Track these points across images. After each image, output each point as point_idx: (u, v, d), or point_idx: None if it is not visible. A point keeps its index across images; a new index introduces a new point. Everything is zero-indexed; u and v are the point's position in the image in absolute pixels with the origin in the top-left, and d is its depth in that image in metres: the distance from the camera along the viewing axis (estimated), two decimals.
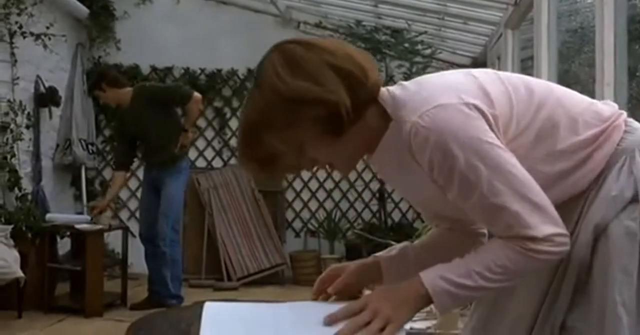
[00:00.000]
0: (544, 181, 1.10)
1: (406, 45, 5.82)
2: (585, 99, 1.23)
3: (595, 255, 1.11)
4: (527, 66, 4.39)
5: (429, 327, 2.29)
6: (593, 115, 1.18)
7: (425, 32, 5.76)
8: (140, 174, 5.44)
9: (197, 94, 4.64)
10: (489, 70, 1.22)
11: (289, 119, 1.10)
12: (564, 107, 1.16)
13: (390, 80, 6.18)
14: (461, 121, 1.07)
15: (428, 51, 5.95)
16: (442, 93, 1.10)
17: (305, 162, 1.18)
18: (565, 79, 3.69)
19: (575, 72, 3.85)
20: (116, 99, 4.73)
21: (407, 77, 6.11)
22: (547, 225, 1.06)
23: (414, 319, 2.34)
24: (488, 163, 1.06)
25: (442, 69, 6.25)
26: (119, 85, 4.68)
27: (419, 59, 5.95)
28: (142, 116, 4.54)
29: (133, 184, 6.07)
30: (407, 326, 2.14)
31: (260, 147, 1.13)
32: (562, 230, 1.07)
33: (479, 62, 6.05)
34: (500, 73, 1.21)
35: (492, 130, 1.09)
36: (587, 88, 3.37)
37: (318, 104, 1.09)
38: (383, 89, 1.17)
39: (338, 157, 1.19)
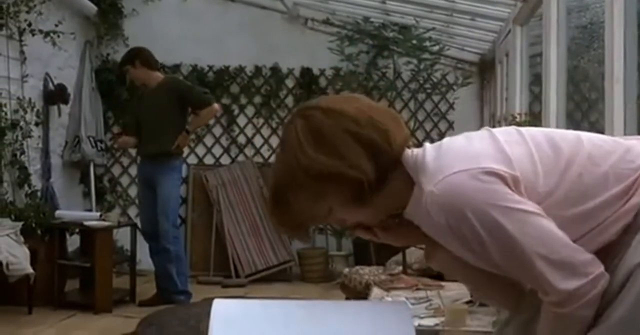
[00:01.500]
0: (572, 238, 1.09)
1: (414, 41, 5.81)
2: (619, 144, 1.17)
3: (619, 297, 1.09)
4: (535, 63, 4.36)
5: (437, 324, 2.29)
6: (626, 164, 1.13)
7: (433, 29, 5.74)
8: None
9: (216, 105, 4.72)
10: (511, 130, 1.19)
11: (313, 193, 1.13)
12: (594, 163, 1.12)
13: (398, 77, 6.18)
14: (473, 187, 1.07)
15: (436, 48, 5.93)
16: (458, 160, 1.10)
17: (335, 221, 1.21)
18: (574, 75, 3.67)
19: (585, 69, 3.82)
20: (144, 79, 4.77)
21: (415, 73, 6.11)
22: (568, 282, 1.05)
23: (422, 315, 2.34)
24: (500, 228, 1.06)
25: (451, 65, 6.27)
26: (151, 67, 4.76)
27: (426, 55, 5.93)
28: (156, 102, 4.62)
29: None
30: (416, 323, 2.15)
31: (288, 211, 1.17)
32: (584, 279, 1.05)
33: (487, 59, 6.03)
34: (524, 130, 1.18)
35: (513, 191, 1.08)
36: (596, 85, 3.36)
37: (340, 180, 1.12)
38: (407, 151, 1.17)
39: (368, 218, 1.22)
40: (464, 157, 1.11)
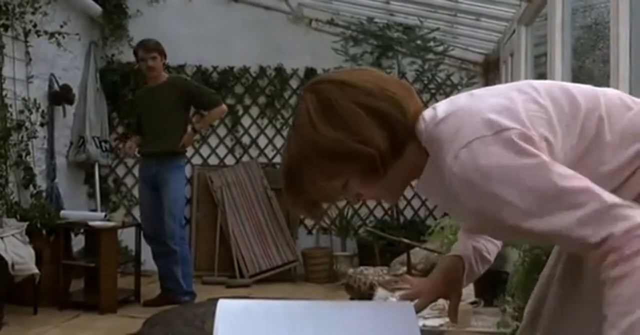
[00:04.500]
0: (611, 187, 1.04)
1: (418, 42, 5.81)
2: (634, 103, 1.13)
3: None
4: (540, 63, 4.35)
5: (441, 325, 2.29)
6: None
7: (438, 29, 5.74)
8: None
9: (224, 106, 4.77)
10: (524, 87, 1.11)
11: (327, 170, 1.11)
12: (610, 123, 1.08)
13: (402, 77, 6.17)
14: (494, 156, 1.00)
15: (440, 48, 5.93)
16: (472, 127, 1.03)
17: (351, 197, 1.18)
18: (579, 75, 3.66)
19: (590, 69, 3.81)
20: (158, 71, 4.74)
21: (420, 74, 6.11)
22: (622, 223, 0.93)
23: (427, 316, 2.34)
24: (527, 188, 0.98)
25: (455, 66, 6.27)
26: (165, 65, 4.88)
27: (431, 56, 5.93)
28: (161, 101, 4.62)
29: None
30: (420, 323, 2.14)
31: (303, 193, 1.15)
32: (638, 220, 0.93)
33: (491, 59, 6.03)
34: (540, 88, 1.11)
35: (530, 146, 1.01)
36: (602, 85, 3.34)
37: (354, 157, 1.09)
38: (420, 120, 1.12)
39: (384, 192, 1.19)
40: (477, 120, 1.03)
